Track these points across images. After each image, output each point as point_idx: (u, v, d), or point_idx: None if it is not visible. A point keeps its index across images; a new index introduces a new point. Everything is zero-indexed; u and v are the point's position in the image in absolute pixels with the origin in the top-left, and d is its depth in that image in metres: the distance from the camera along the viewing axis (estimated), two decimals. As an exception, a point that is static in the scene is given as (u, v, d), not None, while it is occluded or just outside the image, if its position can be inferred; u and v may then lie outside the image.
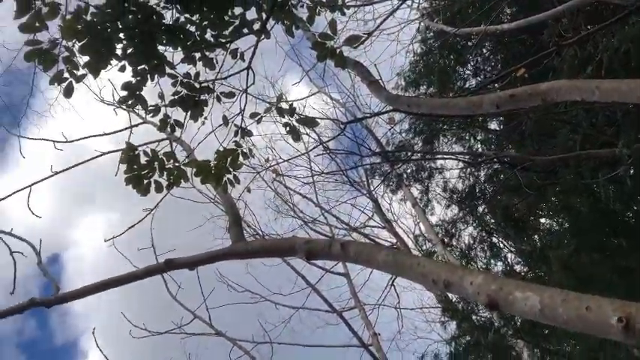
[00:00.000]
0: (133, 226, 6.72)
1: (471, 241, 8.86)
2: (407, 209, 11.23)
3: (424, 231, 10.25)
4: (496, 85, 6.18)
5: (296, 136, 4.25)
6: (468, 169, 9.22)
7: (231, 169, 4.03)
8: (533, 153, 7.27)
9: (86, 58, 3.54)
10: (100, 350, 6.51)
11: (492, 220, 8.95)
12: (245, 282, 10.37)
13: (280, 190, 11.90)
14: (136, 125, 5.89)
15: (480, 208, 9.14)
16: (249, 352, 7.91)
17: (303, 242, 2.73)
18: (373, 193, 11.30)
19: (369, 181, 11.48)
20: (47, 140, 6.28)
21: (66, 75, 3.59)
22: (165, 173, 3.93)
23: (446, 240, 8.85)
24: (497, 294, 1.80)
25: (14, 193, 5.44)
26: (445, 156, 9.42)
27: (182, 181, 4.03)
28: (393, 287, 11.15)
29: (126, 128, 5.75)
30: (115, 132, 6.12)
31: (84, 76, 3.63)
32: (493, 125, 9.70)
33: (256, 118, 4.21)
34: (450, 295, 8.86)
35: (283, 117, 4.27)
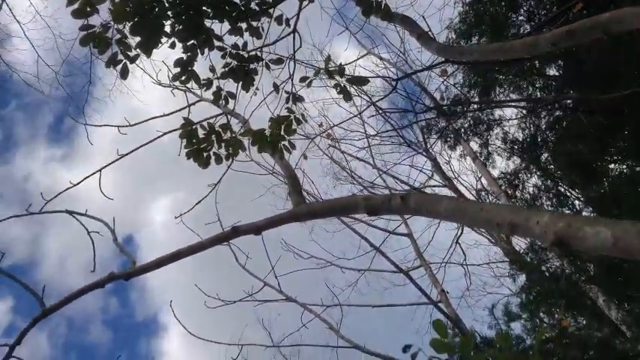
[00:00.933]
0: (199, 202, 6.94)
1: (536, 192, 8.61)
2: (467, 165, 11.05)
3: (486, 185, 10.07)
4: (551, 29, 5.89)
5: (347, 96, 4.23)
6: (528, 118, 8.92)
7: (286, 136, 4.07)
8: (596, 94, 6.94)
9: (137, 39, 3.63)
10: (179, 321, 6.80)
11: (557, 169, 8.66)
12: (310, 249, 10.57)
13: (336, 157, 11.94)
14: (193, 104, 6.01)
15: (543, 157, 8.85)
16: (319, 315, 8.09)
17: (363, 199, 2.74)
18: (431, 151, 11.15)
19: (426, 139, 11.33)
20: (111, 126, 6.53)
21: (120, 57, 3.70)
22: (223, 145, 4.02)
23: (509, 192, 8.64)
24: (565, 231, 1.75)
25: (86, 178, 5.70)
26: (503, 105, 9.13)
27: (240, 151, 4.11)
28: (458, 245, 11.07)
29: (183, 108, 5.88)
30: (173, 112, 6.28)
31: (137, 56, 3.72)
32: (552, 72, 9.30)
33: (306, 82, 4.22)
34: (517, 243, 8.71)
35: (333, 79, 4.25)
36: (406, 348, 1.80)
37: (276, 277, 8.32)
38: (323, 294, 9.42)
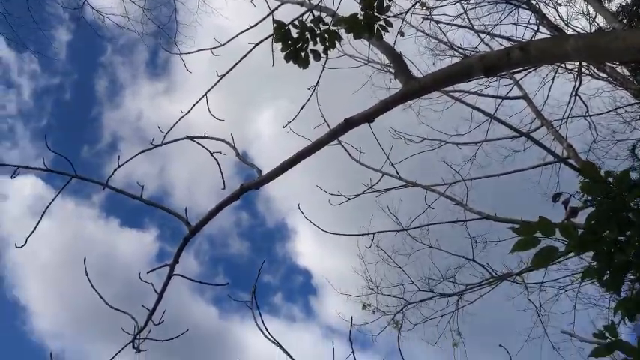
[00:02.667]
0: (303, 107, 6.99)
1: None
2: (577, 7, 10.04)
3: (604, 24, 9.11)
4: None
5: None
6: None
7: (380, 15, 3.88)
8: None
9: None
10: (310, 221, 7.10)
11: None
12: (421, 132, 10.39)
13: (432, 32, 11.35)
14: (276, 8, 5.90)
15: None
16: (443, 193, 8.08)
17: (478, 59, 2.57)
18: (532, 1, 10.22)
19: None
20: (204, 50, 6.64)
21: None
22: (318, 40, 3.92)
23: (632, 24, 7.77)
24: None
25: (195, 104, 5.92)
26: None
27: (336, 42, 4.00)
28: (577, 97, 10.34)
29: (268, 14, 5.80)
30: (259, 22, 6.22)
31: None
32: None
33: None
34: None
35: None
36: (556, 197, 1.72)
37: (392, 165, 8.34)
38: (443, 174, 9.35)
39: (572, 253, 1.61)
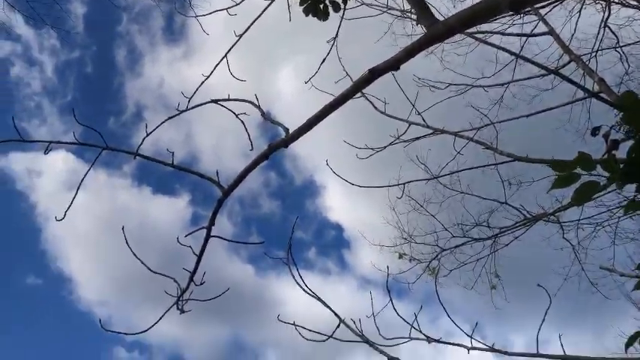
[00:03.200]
0: (324, 61, 6.91)
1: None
2: None
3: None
4: None
5: None
6: None
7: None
8: None
9: None
10: (338, 175, 7.10)
11: None
12: (445, 78, 10.18)
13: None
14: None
15: None
16: (472, 138, 7.95)
17: (504, -6, 2.47)
18: None
19: None
20: (219, 10, 6.56)
21: None
22: (335, -11, 3.84)
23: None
24: None
25: (216, 66, 5.89)
26: None
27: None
28: (606, 28, 9.94)
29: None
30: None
31: None
32: None
33: None
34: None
35: None
36: (595, 130, 1.67)
37: (419, 113, 8.23)
38: (470, 119, 9.20)
39: (611, 188, 1.57)
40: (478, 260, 9.73)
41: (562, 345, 4.62)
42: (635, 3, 8.70)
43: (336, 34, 7.07)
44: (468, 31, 9.78)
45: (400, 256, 10.20)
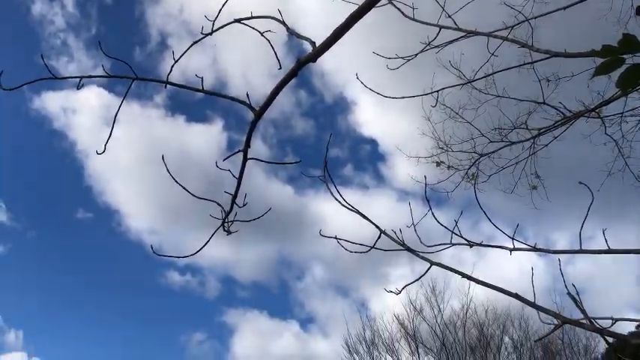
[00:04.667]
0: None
1: None
2: None
3: None
4: None
5: None
6: None
7: None
8: None
9: None
10: (370, 89, 7.00)
11: None
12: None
13: None
14: None
15: None
16: (506, 37, 7.62)
17: None
18: None
19: None
20: None
21: None
22: None
23: None
24: None
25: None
26: None
27: None
28: None
29: None
30: None
31: None
32: None
33: None
34: None
35: None
36: (640, 9, 1.56)
37: (449, 16, 7.90)
38: (504, 17, 8.76)
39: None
40: (517, 163, 9.61)
41: (606, 240, 4.61)
42: None
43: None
44: None
45: (438, 164, 10.14)
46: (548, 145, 9.14)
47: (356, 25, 3.53)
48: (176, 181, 3.69)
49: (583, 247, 5.33)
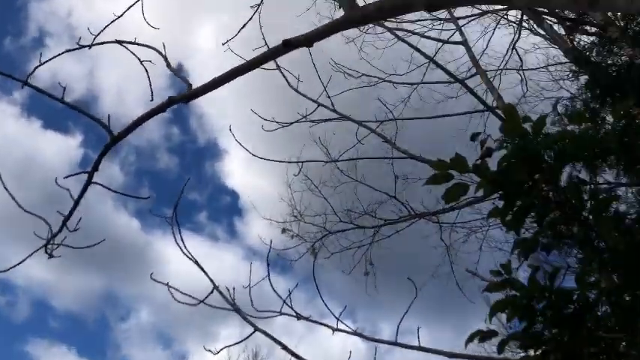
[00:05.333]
0: (244, 26, 6.78)
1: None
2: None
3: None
4: None
5: None
6: None
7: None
8: None
9: None
10: (239, 143, 7.07)
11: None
12: (360, 67, 10.36)
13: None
14: None
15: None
16: (374, 130, 8.19)
17: (421, -7, 2.55)
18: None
19: None
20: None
21: None
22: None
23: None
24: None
25: (129, 8, 5.58)
26: None
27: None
28: (514, 50, 10.59)
29: None
30: None
31: None
32: None
33: None
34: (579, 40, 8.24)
35: None
36: (474, 136, 1.78)
37: (329, 97, 8.33)
38: (376, 111, 9.45)
39: (481, 193, 1.69)
40: (359, 247, 10.07)
41: (419, 337, 4.95)
42: (542, 32, 9.32)
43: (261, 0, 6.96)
44: (389, 26, 10.02)
45: (284, 231, 10.35)
46: (390, 237, 9.73)
47: (251, 80, 3.60)
48: (5, 188, 3.38)
49: (399, 341, 5.62)
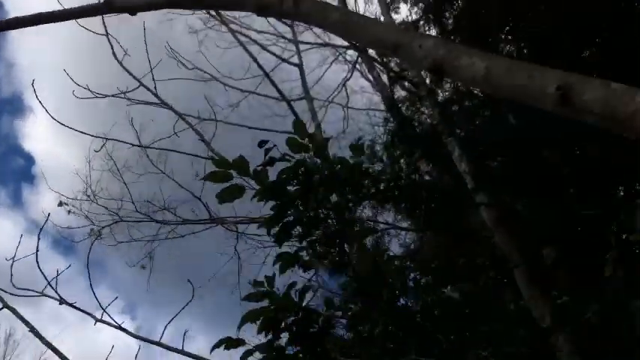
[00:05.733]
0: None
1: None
2: (372, 7, 10.78)
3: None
4: None
5: None
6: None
7: None
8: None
9: None
10: (41, 103, 6.42)
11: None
12: (196, 60, 10.11)
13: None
14: None
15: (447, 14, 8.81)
16: (193, 126, 7.99)
17: (255, -5, 2.51)
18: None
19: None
20: None
21: None
22: None
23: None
24: (444, 58, 1.73)
25: None
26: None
27: None
28: (344, 88, 11.18)
29: None
30: None
31: None
32: None
33: None
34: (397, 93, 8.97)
35: None
36: (262, 143, 1.77)
37: (154, 79, 7.97)
38: (201, 108, 9.23)
39: (256, 199, 1.68)
40: (151, 242, 9.66)
41: (184, 340, 4.84)
42: (370, 77, 9.97)
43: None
44: (234, 29, 9.97)
45: (60, 204, 9.58)
46: (185, 237, 9.48)
47: (85, 45, 3.21)
48: None
49: (163, 341, 5.43)
